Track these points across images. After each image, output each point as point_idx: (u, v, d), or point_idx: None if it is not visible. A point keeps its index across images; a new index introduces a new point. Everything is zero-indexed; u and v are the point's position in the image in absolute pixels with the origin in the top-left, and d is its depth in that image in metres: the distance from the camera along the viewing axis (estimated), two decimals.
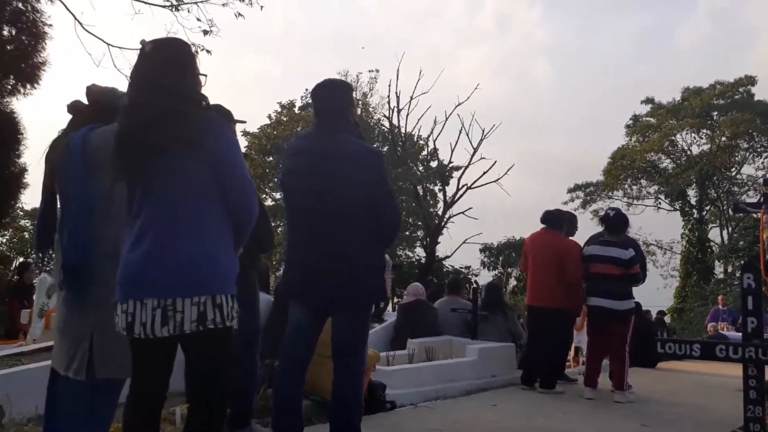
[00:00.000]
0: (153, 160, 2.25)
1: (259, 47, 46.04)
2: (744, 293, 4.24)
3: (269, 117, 26.37)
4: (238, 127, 3.63)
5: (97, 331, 2.43)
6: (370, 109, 23.19)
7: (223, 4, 11.38)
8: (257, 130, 25.34)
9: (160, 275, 2.19)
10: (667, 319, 21.55)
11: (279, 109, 26.53)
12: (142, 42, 2.37)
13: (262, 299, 4.49)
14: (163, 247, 2.21)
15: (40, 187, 2.63)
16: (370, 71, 23.37)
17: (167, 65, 2.33)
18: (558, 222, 6.27)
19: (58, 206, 2.64)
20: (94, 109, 2.62)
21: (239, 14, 11.48)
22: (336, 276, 3.05)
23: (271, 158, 25.01)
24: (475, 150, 18.91)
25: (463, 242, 20.24)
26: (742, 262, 24.05)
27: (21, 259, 16.76)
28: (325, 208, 3.08)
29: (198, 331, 2.19)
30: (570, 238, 6.54)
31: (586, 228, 7.07)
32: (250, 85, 41.67)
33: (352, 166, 3.09)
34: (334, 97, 3.30)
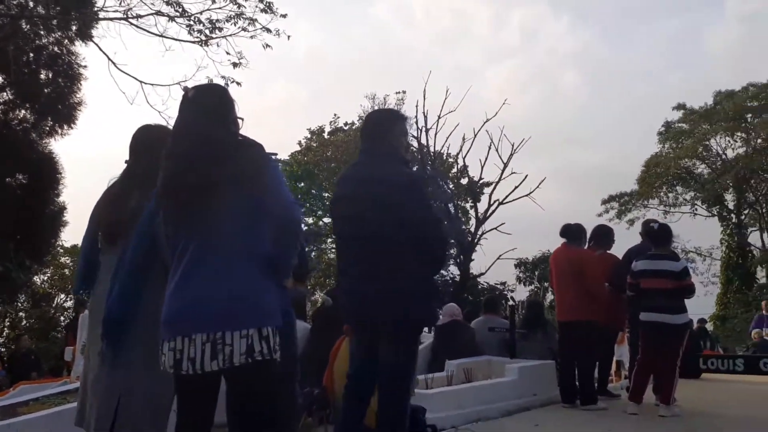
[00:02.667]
0: (196, 201, 2.31)
1: (285, 74, 46.68)
2: None
3: (299, 143, 26.68)
4: None
5: (125, 393, 2.48)
6: None
7: (251, 37, 11.55)
8: (288, 157, 25.61)
9: (208, 310, 2.24)
10: (709, 326, 21.04)
11: (309, 135, 26.81)
12: (185, 89, 2.49)
13: (299, 327, 4.53)
14: (211, 282, 2.26)
15: (85, 231, 2.71)
16: (396, 93, 23.57)
17: (208, 112, 2.42)
18: (575, 235, 6.29)
19: (106, 256, 2.69)
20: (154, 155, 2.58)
21: (267, 45, 11.62)
22: (379, 300, 3.08)
23: (302, 184, 25.22)
24: (506, 165, 18.82)
25: (498, 258, 20.01)
26: None
27: (61, 296, 17.15)
28: (366, 233, 3.12)
29: (246, 363, 2.22)
30: (608, 251, 6.70)
31: (623, 239, 7.09)
32: (277, 111, 42.21)
33: (388, 191, 3.11)
34: (377, 122, 3.38)
